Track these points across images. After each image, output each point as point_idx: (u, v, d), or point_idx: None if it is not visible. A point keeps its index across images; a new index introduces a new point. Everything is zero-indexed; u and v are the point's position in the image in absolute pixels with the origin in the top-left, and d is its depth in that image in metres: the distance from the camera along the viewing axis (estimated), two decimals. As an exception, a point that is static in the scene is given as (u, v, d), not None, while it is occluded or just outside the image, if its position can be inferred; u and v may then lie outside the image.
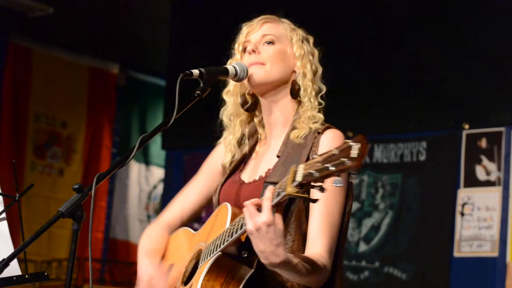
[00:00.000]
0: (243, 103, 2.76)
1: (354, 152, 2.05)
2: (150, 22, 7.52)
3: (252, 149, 2.77)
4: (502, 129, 5.27)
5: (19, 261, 2.72)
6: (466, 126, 5.39)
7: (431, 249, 5.40)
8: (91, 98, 8.38)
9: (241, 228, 2.37)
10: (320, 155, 2.14)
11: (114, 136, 8.62)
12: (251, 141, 2.77)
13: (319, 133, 2.62)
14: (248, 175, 2.70)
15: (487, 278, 5.18)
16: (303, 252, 2.53)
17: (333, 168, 2.08)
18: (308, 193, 2.22)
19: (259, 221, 2.26)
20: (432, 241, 5.41)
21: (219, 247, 2.44)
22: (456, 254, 5.30)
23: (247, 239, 2.41)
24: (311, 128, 2.64)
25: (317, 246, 2.49)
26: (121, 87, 8.65)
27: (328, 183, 2.14)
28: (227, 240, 2.41)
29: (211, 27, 6.53)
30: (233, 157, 2.76)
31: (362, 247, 5.66)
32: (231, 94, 2.77)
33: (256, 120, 2.77)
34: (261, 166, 2.69)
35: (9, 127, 7.74)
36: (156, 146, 8.28)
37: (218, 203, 2.70)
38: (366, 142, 2.08)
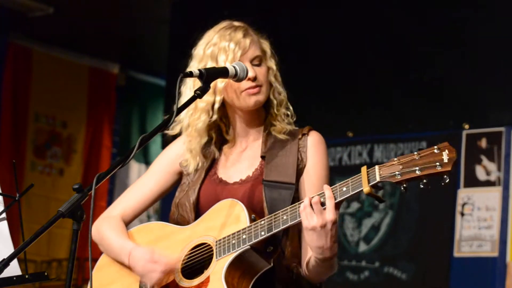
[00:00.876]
0: (211, 116, 2.74)
1: (445, 158, 2.23)
2: (150, 22, 7.51)
3: (218, 151, 2.79)
4: (502, 129, 5.27)
5: (19, 261, 2.72)
6: (466, 126, 5.39)
7: (431, 249, 5.40)
8: (91, 98, 8.37)
9: (283, 224, 2.43)
10: (399, 158, 2.28)
11: (114, 136, 8.62)
12: (216, 143, 2.78)
13: (304, 134, 2.67)
14: (227, 175, 2.73)
15: (487, 278, 5.18)
16: (300, 250, 2.59)
17: (419, 172, 2.25)
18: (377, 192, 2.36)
19: (326, 218, 2.37)
20: (432, 241, 5.41)
21: (249, 240, 2.47)
22: (456, 254, 5.30)
23: (274, 234, 2.48)
24: (291, 129, 2.71)
25: None
26: (121, 87, 8.64)
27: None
28: (262, 235, 2.46)
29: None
30: (198, 165, 2.77)
31: (362, 247, 5.66)
32: (200, 110, 2.73)
33: (221, 125, 2.77)
34: (242, 167, 2.72)
35: (9, 127, 7.74)
36: (156, 146, 8.27)
37: (198, 203, 2.70)
38: (454, 148, 2.25)
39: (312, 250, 2.45)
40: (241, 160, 2.73)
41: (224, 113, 2.76)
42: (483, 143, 5.31)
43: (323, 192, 2.39)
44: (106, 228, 2.82)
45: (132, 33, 7.92)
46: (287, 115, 2.74)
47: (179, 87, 2.47)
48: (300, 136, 2.69)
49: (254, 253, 2.50)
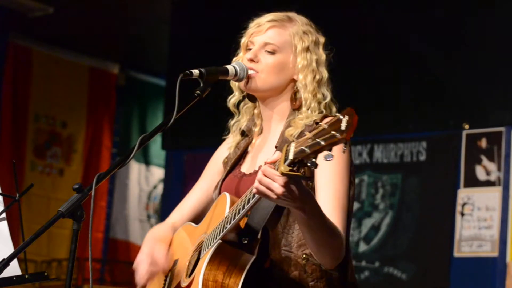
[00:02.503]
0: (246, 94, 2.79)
1: (343, 125, 2.07)
2: (150, 22, 7.51)
3: (249, 144, 2.80)
4: (502, 129, 5.27)
5: (19, 261, 2.72)
6: (466, 126, 5.39)
7: (431, 249, 5.40)
8: (91, 98, 8.38)
9: (238, 213, 2.38)
10: (311, 131, 2.15)
11: (114, 136, 8.62)
12: (249, 137, 2.80)
13: (317, 123, 2.63)
14: (247, 167, 2.73)
15: (487, 278, 5.18)
16: None
17: (323, 143, 2.09)
18: (299, 170, 2.19)
19: (278, 189, 2.23)
20: (432, 241, 5.41)
21: (219, 235, 2.45)
22: (456, 254, 5.30)
23: (247, 225, 2.45)
24: (306, 124, 2.64)
25: None
26: (121, 87, 8.65)
27: (321, 158, 2.13)
28: (226, 227, 2.42)
29: (211, 27, 6.53)
30: (234, 147, 2.79)
31: (362, 247, 5.66)
32: (237, 88, 2.79)
33: (256, 111, 2.80)
34: (259, 158, 2.71)
35: (9, 127, 7.74)
36: (156, 146, 8.28)
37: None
38: (355, 113, 2.08)
39: (296, 214, 2.34)
40: (260, 152, 2.73)
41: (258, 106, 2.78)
42: (483, 143, 5.32)
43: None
44: (151, 231, 2.87)
45: (132, 33, 7.92)
46: (307, 117, 2.66)
47: (179, 87, 2.46)
48: (314, 125, 2.63)
49: (230, 247, 2.46)
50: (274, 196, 2.25)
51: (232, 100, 2.79)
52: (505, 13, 5.35)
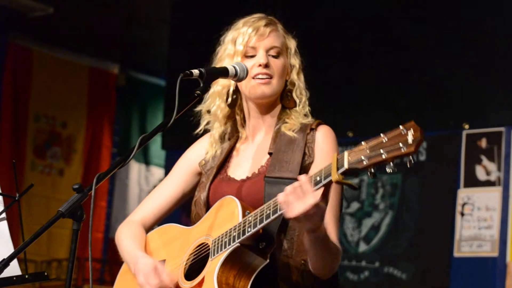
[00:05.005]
0: (228, 101, 2.76)
1: (409, 138, 2.14)
2: (150, 22, 7.52)
3: (232, 148, 2.79)
4: (502, 129, 5.27)
5: (19, 261, 2.73)
6: (466, 126, 5.39)
7: (431, 249, 5.40)
8: (91, 98, 8.38)
9: (267, 218, 2.39)
10: (367, 142, 2.19)
11: (114, 136, 8.62)
12: (231, 140, 2.79)
13: (312, 129, 2.65)
14: (236, 172, 2.72)
15: (487, 278, 5.18)
16: None
17: (386, 155, 2.16)
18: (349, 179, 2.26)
19: (308, 202, 2.29)
20: (432, 241, 5.41)
21: (238, 238, 2.45)
22: (456, 254, 5.30)
23: (264, 230, 2.46)
24: (302, 123, 2.68)
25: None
26: (121, 87, 8.65)
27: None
28: (248, 231, 2.43)
29: (211, 27, 6.53)
30: (215, 153, 2.79)
31: (362, 247, 5.66)
32: (216, 94, 2.77)
33: (237, 118, 2.79)
34: (249, 163, 2.71)
35: (9, 127, 7.75)
36: (156, 146, 8.28)
37: (208, 201, 2.70)
38: (419, 128, 2.15)
39: (306, 234, 2.39)
40: (250, 157, 2.73)
41: (241, 106, 2.77)
42: (483, 143, 5.32)
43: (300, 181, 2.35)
44: (124, 233, 2.86)
45: (132, 33, 7.92)
46: (305, 115, 2.72)
47: (179, 87, 2.46)
48: (308, 131, 2.66)
49: (246, 250, 2.47)
50: (300, 210, 2.29)
51: (214, 109, 2.77)
52: (505, 13, 5.35)
